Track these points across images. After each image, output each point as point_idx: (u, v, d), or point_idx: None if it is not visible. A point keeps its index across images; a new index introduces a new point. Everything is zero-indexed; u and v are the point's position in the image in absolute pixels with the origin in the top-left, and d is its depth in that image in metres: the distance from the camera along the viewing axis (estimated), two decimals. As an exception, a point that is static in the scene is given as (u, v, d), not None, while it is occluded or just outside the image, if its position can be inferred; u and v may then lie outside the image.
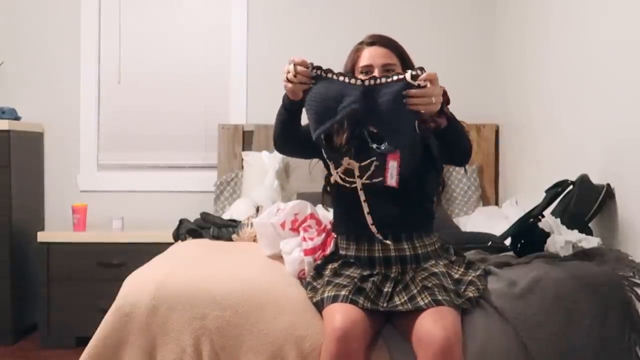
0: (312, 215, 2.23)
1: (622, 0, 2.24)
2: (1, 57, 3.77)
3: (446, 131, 1.86)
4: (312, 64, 1.84)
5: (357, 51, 2.02)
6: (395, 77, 1.76)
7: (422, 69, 1.76)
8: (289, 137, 2.02)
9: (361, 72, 1.98)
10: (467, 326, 1.79)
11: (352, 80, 1.80)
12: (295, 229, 2.22)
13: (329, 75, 1.83)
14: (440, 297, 1.76)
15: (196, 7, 3.90)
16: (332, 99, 1.80)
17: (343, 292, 1.78)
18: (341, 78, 1.81)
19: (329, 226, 2.16)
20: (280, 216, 2.24)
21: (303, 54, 4.02)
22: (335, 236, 2.04)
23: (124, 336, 1.88)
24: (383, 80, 1.77)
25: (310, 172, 2.21)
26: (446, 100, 1.85)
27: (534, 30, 3.12)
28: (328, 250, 2.05)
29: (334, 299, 1.77)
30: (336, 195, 2.03)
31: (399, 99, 1.75)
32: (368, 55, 1.98)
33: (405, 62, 1.99)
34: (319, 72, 1.83)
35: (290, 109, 1.94)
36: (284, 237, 2.20)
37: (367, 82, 1.78)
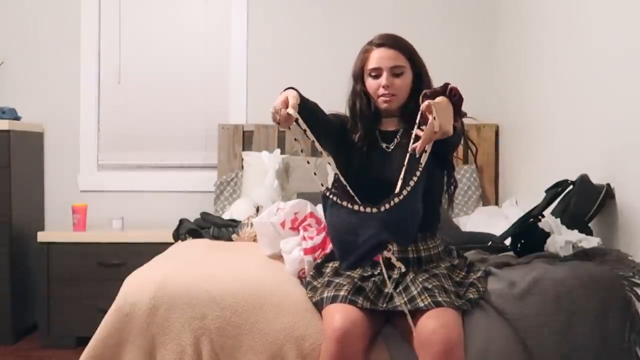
0: (312, 215, 2.23)
1: (621, 0, 2.24)
2: (1, 57, 3.78)
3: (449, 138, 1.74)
4: (326, 188, 1.73)
5: (365, 52, 2.01)
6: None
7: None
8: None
9: (370, 75, 1.98)
10: (467, 327, 1.79)
11: (367, 209, 1.68)
12: (295, 228, 2.22)
13: (343, 203, 1.70)
14: (440, 299, 1.75)
15: (196, 7, 3.90)
16: (350, 234, 1.69)
17: (342, 293, 1.78)
18: (355, 207, 1.69)
19: None
20: (280, 215, 2.25)
21: (303, 53, 4.05)
22: None
23: (124, 336, 1.88)
24: (396, 200, 1.67)
25: (315, 173, 2.15)
26: (459, 104, 1.76)
27: (534, 31, 3.12)
28: (328, 249, 2.05)
29: (333, 299, 1.77)
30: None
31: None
32: (377, 57, 1.97)
33: (415, 62, 1.98)
34: (331, 196, 1.72)
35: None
36: (284, 236, 2.20)
37: (382, 208, 1.66)
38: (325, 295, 1.81)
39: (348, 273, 1.89)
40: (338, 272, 1.92)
